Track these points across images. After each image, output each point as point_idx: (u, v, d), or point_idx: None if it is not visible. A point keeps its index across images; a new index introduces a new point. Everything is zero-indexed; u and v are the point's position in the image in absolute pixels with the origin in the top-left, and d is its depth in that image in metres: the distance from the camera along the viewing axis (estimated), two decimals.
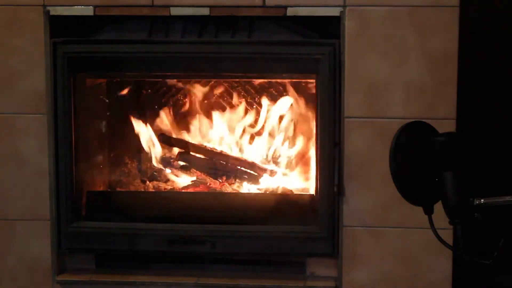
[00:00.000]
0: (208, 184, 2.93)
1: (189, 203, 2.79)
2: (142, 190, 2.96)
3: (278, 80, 2.91)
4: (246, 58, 2.63)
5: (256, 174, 2.93)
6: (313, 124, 2.79)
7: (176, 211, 2.75)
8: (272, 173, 2.93)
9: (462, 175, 1.72)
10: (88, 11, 2.64)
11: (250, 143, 3.00)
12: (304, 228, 2.66)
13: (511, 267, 1.80)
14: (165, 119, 3.04)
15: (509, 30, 2.89)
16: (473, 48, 2.84)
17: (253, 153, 2.98)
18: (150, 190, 2.94)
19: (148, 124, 3.00)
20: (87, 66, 2.71)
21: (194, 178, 2.97)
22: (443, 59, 2.53)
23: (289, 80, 2.88)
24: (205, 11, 2.61)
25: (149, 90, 3.06)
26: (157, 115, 3.03)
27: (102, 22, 2.70)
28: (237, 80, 2.94)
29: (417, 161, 1.75)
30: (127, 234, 2.71)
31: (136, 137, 3.00)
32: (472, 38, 2.83)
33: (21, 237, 2.72)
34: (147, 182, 2.99)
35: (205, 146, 3.00)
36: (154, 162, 3.00)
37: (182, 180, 2.98)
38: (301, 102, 2.91)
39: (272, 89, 2.97)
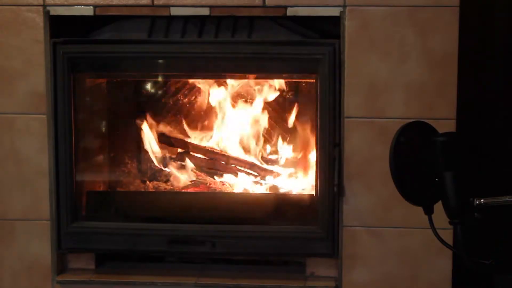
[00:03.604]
0: (208, 184, 2.93)
1: (189, 203, 2.79)
2: (142, 190, 2.96)
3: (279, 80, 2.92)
4: (246, 58, 2.63)
5: (256, 174, 2.93)
6: (313, 124, 2.79)
7: (176, 211, 2.75)
8: (272, 173, 2.93)
9: (462, 175, 1.72)
10: (88, 11, 2.64)
11: (251, 143, 3.00)
12: (304, 228, 2.66)
13: (511, 267, 1.80)
14: (165, 119, 3.04)
15: (509, 30, 2.89)
16: (473, 48, 2.85)
17: (253, 153, 2.98)
18: (150, 190, 2.94)
19: (148, 124, 3.00)
20: (87, 66, 2.71)
21: (194, 178, 2.97)
22: (443, 59, 2.53)
23: (289, 80, 2.89)
24: (205, 11, 2.61)
25: (149, 90, 3.06)
26: (157, 114, 3.04)
27: (102, 22, 2.69)
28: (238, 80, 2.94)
29: (417, 161, 1.75)
30: (127, 234, 2.71)
31: (137, 137, 3.00)
32: (472, 38, 2.83)
33: (21, 237, 2.72)
34: (147, 182, 2.99)
35: (205, 146, 3.00)
36: (156, 162, 3.00)
37: (182, 180, 2.98)
38: (301, 101, 2.92)
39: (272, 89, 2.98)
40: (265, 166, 2.96)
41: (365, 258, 2.62)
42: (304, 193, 2.84)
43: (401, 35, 2.53)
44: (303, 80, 2.87)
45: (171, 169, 3.00)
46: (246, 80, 2.92)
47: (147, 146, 2.99)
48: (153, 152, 3.00)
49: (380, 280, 2.62)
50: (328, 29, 2.63)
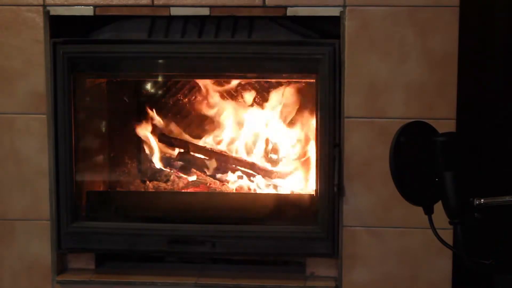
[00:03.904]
0: (208, 184, 2.93)
1: (189, 203, 2.79)
2: (142, 190, 2.96)
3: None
4: (246, 58, 2.63)
5: (256, 174, 2.93)
6: (313, 124, 2.79)
7: (176, 211, 2.75)
8: (272, 173, 2.93)
9: (462, 175, 1.73)
10: (88, 11, 2.64)
11: (251, 143, 3.01)
12: (304, 228, 2.66)
13: (511, 267, 1.80)
14: (165, 118, 3.05)
15: (509, 30, 2.89)
16: (473, 48, 2.85)
17: (253, 152, 2.99)
18: (150, 190, 2.94)
19: (148, 124, 3.00)
20: (87, 66, 2.70)
21: (194, 178, 2.97)
22: (443, 59, 2.53)
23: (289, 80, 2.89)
24: (205, 11, 2.61)
25: (149, 90, 3.06)
26: (157, 114, 3.04)
27: (102, 22, 2.69)
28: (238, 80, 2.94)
29: (417, 161, 1.75)
30: (127, 234, 2.71)
31: (137, 137, 3.00)
32: (472, 38, 2.83)
33: (21, 237, 2.72)
34: (147, 182, 2.99)
35: (205, 146, 3.00)
36: (157, 163, 3.00)
37: (182, 180, 2.98)
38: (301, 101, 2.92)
39: (272, 89, 2.98)
40: (265, 166, 2.96)
41: (365, 258, 2.62)
42: (304, 193, 2.84)
43: (401, 35, 2.53)
44: (303, 80, 2.87)
45: (171, 169, 3.00)
46: (245, 80, 2.92)
47: (148, 145, 2.99)
48: (153, 152, 3.00)
49: (380, 280, 2.62)
50: (328, 29, 2.63)
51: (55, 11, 2.64)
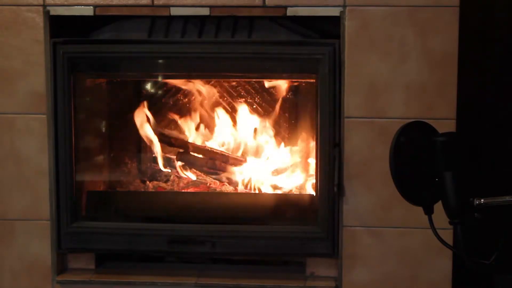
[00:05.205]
0: (208, 184, 2.93)
1: (189, 203, 2.79)
2: (142, 190, 2.96)
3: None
4: (246, 58, 2.63)
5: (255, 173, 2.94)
6: (313, 124, 2.79)
7: (176, 211, 2.75)
8: (272, 173, 2.93)
9: (462, 175, 1.73)
10: (88, 11, 2.64)
11: (251, 143, 3.01)
12: (304, 228, 2.66)
13: (511, 267, 1.81)
14: (165, 118, 3.05)
15: (509, 30, 2.90)
16: (473, 48, 2.85)
17: (253, 152, 2.99)
18: (150, 190, 2.94)
19: (148, 124, 3.00)
20: (87, 66, 2.71)
21: (194, 178, 2.97)
22: (443, 59, 2.53)
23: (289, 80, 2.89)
24: (205, 11, 2.61)
25: (149, 90, 3.06)
26: (157, 115, 3.04)
27: (102, 22, 2.70)
28: (237, 80, 2.94)
29: (417, 161, 1.75)
30: (127, 234, 2.71)
31: (136, 137, 3.00)
32: (472, 38, 2.83)
33: (21, 237, 2.72)
34: (147, 182, 2.99)
35: (205, 146, 3.00)
36: (160, 165, 3.00)
37: (182, 180, 2.98)
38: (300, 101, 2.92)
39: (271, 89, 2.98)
40: (265, 166, 2.96)
41: (365, 258, 2.62)
42: (304, 193, 2.84)
43: (401, 35, 2.53)
44: (303, 80, 2.87)
45: (171, 169, 3.00)
46: (245, 80, 2.92)
47: (148, 146, 2.99)
48: (156, 152, 3.00)
49: (380, 280, 2.63)
50: (328, 29, 2.63)
51: (55, 11, 2.64)
